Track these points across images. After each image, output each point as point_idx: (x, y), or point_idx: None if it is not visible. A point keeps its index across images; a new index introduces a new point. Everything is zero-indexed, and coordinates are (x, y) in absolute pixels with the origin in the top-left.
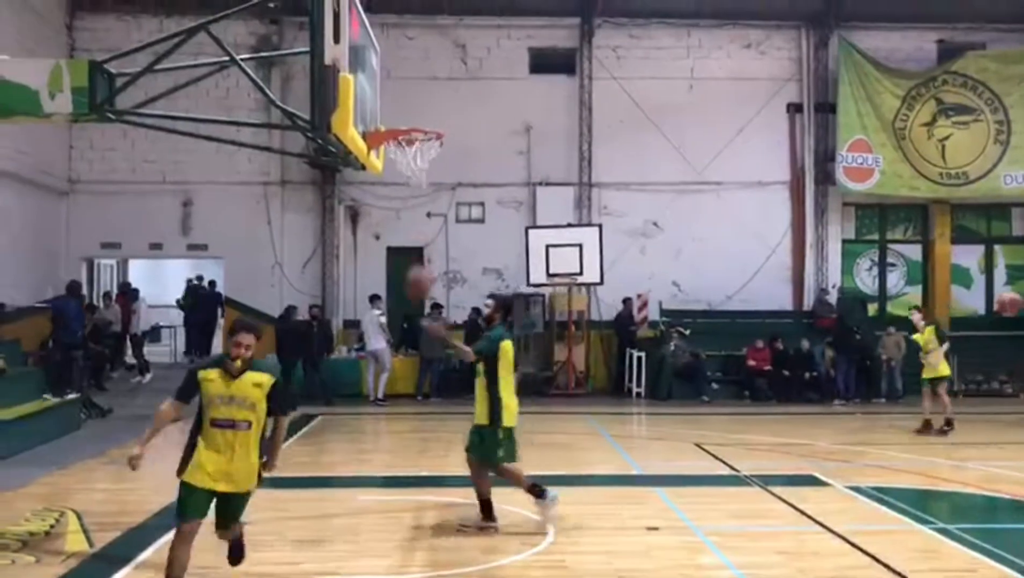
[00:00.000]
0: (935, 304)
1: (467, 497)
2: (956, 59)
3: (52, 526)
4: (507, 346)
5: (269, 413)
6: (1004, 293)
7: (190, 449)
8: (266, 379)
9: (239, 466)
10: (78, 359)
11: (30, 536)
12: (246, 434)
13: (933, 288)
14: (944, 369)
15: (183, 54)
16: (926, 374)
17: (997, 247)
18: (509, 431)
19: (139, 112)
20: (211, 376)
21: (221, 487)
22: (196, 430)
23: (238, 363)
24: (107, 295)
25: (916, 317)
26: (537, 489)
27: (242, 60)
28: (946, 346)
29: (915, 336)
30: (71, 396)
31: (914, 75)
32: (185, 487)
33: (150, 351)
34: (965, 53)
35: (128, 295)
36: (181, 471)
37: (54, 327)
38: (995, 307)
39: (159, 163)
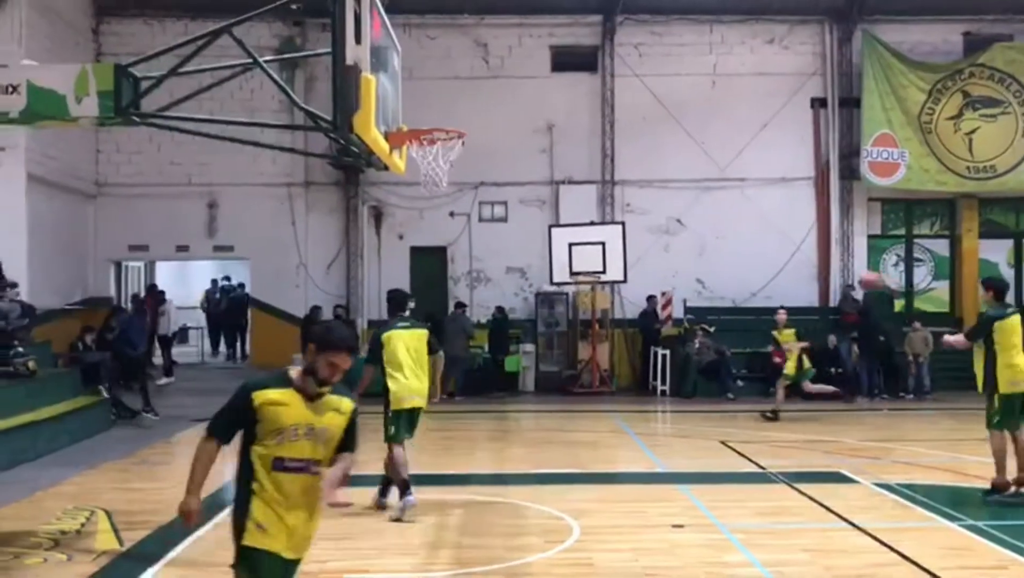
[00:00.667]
0: (963, 299)
1: (493, 495)
2: (983, 51)
3: (83, 525)
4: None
5: (339, 449)
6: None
7: (244, 504)
8: (346, 405)
9: (314, 526)
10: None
11: (61, 534)
12: (317, 480)
13: (960, 283)
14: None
15: (207, 57)
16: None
17: None
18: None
19: (164, 115)
20: (279, 398)
21: (292, 554)
22: (247, 475)
23: (320, 387)
24: (135, 298)
25: (781, 316)
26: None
27: (265, 62)
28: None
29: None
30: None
31: (940, 68)
32: (251, 556)
33: (178, 352)
34: (992, 45)
35: (155, 297)
36: (240, 535)
37: (116, 341)
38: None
39: (184, 165)
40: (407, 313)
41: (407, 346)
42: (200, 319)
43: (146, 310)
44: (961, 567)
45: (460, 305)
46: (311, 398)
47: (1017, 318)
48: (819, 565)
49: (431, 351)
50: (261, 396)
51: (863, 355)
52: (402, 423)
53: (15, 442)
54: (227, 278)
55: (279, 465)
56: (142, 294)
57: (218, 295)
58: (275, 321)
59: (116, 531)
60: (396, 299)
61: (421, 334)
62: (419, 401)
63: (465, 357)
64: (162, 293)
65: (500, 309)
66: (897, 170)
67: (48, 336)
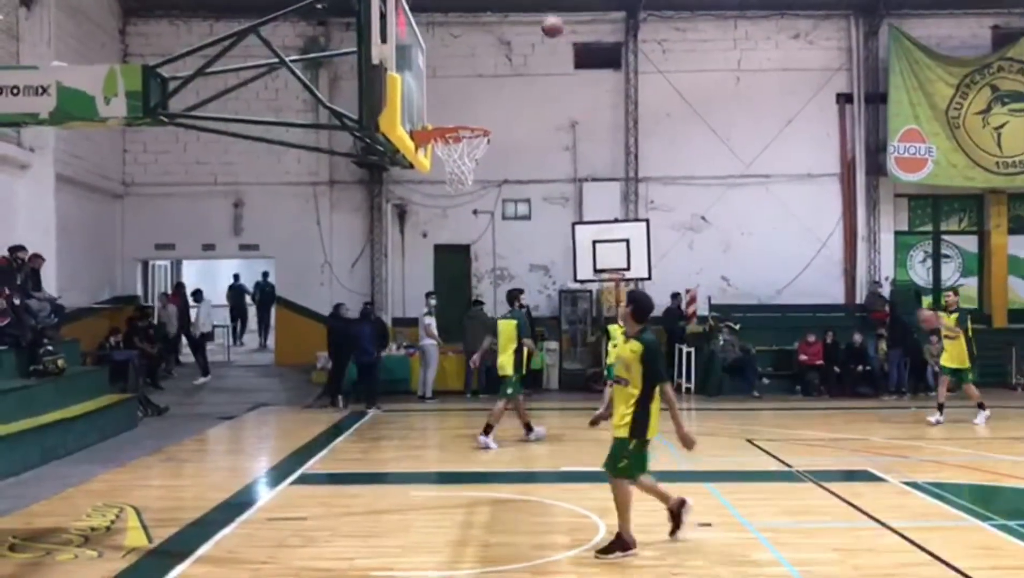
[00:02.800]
0: (991, 296)
1: (519, 493)
2: (1011, 45)
3: (112, 522)
4: None
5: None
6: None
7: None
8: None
9: None
10: (134, 359)
11: (91, 531)
12: None
13: (989, 280)
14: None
15: (233, 57)
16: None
17: None
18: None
19: (191, 115)
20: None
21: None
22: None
23: None
24: (164, 295)
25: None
26: None
27: (290, 61)
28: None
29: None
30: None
31: (968, 62)
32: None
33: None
34: (1020, 39)
35: (182, 295)
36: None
37: (344, 347)
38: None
39: (210, 165)
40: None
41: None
42: (225, 317)
43: (375, 318)
44: (992, 567)
45: (478, 302)
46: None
47: None
48: (848, 564)
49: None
50: None
51: (890, 352)
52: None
53: (46, 439)
54: (265, 274)
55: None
56: (169, 291)
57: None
58: (300, 319)
59: (145, 528)
60: (509, 294)
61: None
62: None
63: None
64: (199, 292)
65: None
66: (924, 166)
67: (76, 334)
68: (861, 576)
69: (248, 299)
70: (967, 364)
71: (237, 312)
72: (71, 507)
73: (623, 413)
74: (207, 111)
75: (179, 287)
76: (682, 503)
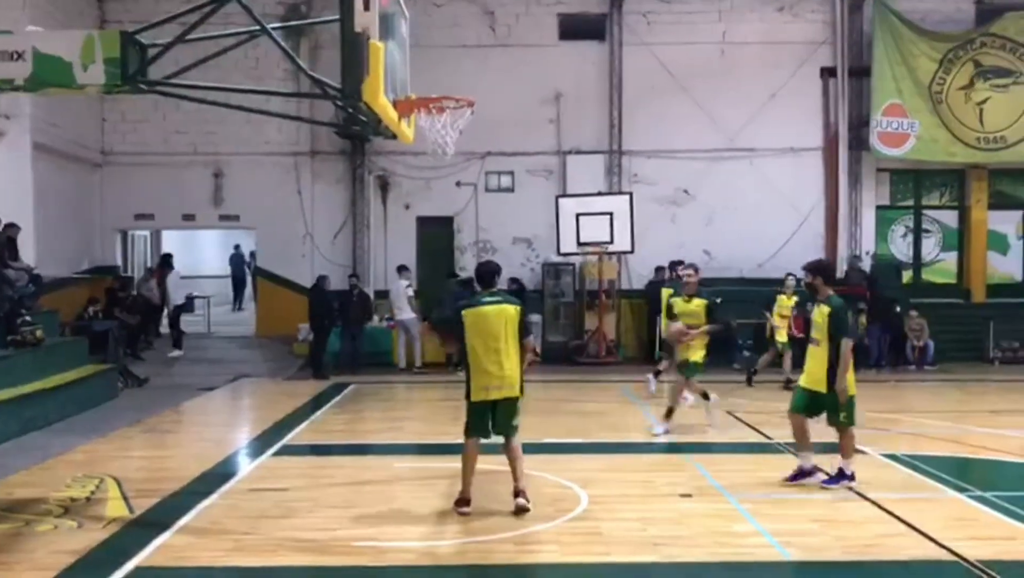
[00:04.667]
0: (971, 271)
1: (502, 464)
2: (995, 20)
3: (93, 492)
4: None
5: None
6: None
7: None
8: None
9: None
10: (113, 330)
11: (71, 502)
12: None
13: (969, 254)
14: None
15: (213, 24)
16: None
17: None
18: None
19: (171, 83)
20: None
21: None
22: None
23: None
24: (149, 270)
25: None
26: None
27: (272, 29)
28: None
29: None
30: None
31: (951, 37)
32: None
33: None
34: (1004, 14)
35: (165, 268)
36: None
37: (327, 318)
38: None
39: (190, 134)
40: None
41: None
42: (205, 288)
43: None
44: (969, 537)
45: (453, 275)
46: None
47: None
48: (828, 535)
49: None
50: None
51: (870, 327)
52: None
53: (25, 410)
54: (237, 246)
55: None
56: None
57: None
58: (281, 290)
59: (126, 498)
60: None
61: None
62: None
63: None
64: (169, 262)
65: (514, 280)
66: (907, 140)
67: (55, 305)
68: (841, 546)
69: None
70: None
71: (237, 280)
72: (51, 478)
73: (815, 371)
74: (187, 79)
75: (166, 258)
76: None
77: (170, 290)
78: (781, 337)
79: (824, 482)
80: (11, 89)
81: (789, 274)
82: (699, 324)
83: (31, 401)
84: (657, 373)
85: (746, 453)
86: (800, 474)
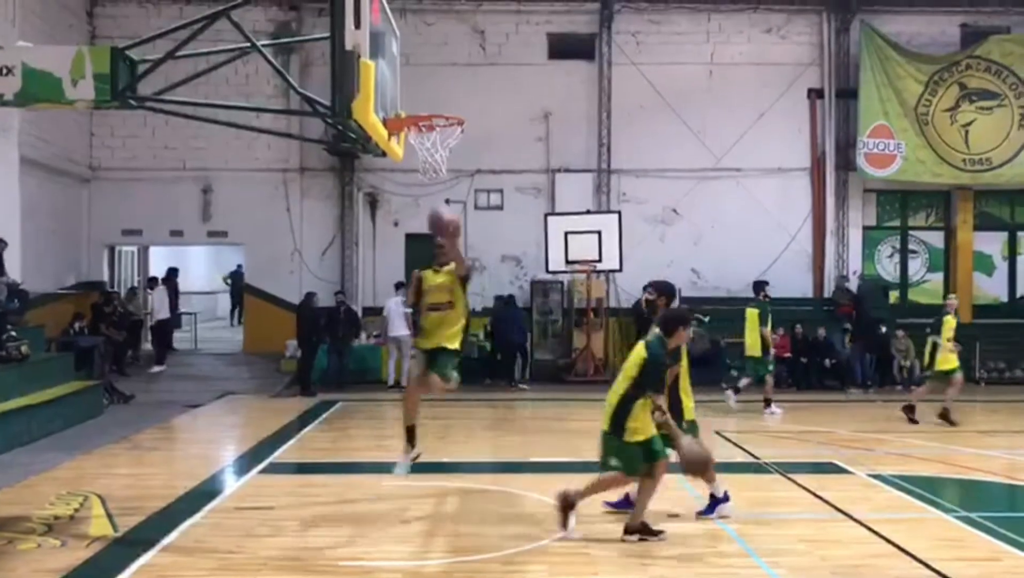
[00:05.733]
0: (957, 291)
1: (489, 483)
2: (980, 43)
3: (76, 510)
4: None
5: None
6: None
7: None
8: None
9: None
10: (99, 346)
11: (55, 520)
12: None
13: (955, 275)
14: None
15: (203, 40)
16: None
17: (1021, 234)
18: None
19: (160, 99)
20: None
21: None
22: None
23: None
24: (132, 289)
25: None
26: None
27: (262, 46)
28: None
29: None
30: None
31: (937, 60)
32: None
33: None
34: (989, 37)
35: (169, 282)
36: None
37: (315, 335)
38: None
39: (179, 150)
40: None
41: None
42: (195, 304)
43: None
44: (955, 558)
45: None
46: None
47: None
48: (815, 555)
49: None
50: None
51: (856, 346)
52: None
53: (9, 426)
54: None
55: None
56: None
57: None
58: (269, 307)
59: (110, 516)
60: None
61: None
62: None
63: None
64: (154, 280)
65: (500, 297)
66: (893, 161)
67: (41, 320)
68: (827, 567)
69: None
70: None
71: (236, 297)
72: (35, 495)
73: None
74: (176, 95)
75: (171, 272)
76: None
77: (155, 305)
78: (948, 364)
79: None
80: (1, 104)
81: (951, 294)
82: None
83: (15, 417)
84: (737, 390)
85: (734, 473)
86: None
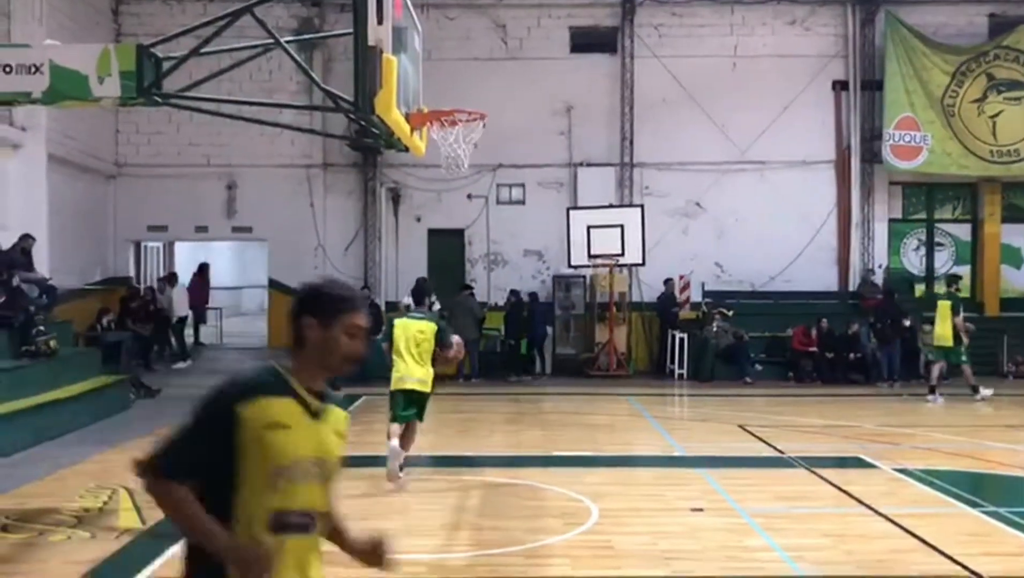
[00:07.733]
0: (984, 284)
1: (511, 477)
2: (1008, 33)
3: (105, 503)
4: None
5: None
6: None
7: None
8: (343, 419)
9: None
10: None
11: (85, 512)
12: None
13: (982, 268)
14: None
15: (227, 37)
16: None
17: None
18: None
19: (185, 96)
20: (280, 413)
21: None
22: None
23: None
24: (161, 280)
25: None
26: None
27: (285, 42)
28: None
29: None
30: None
31: (964, 50)
32: None
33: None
34: (1017, 27)
35: (204, 275)
36: None
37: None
38: None
39: (203, 146)
40: (425, 305)
41: (407, 336)
42: (220, 299)
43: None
44: (982, 553)
45: (466, 287)
46: (315, 414)
47: None
48: (839, 550)
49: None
50: (252, 408)
51: (882, 340)
52: (397, 402)
53: (38, 421)
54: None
55: (281, 524)
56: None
57: None
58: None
59: (138, 509)
60: (417, 290)
61: (427, 327)
62: (415, 385)
63: (477, 339)
64: (175, 275)
65: (515, 292)
66: (919, 154)
67: (68, 316)
68: (852, 561)
69: None
70: None
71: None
72: (64, 488)
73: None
74: (201, 92)
75: (203, 267)
76: None
77: (175, 302)
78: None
79: None
80: (29, 102)
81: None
82: None
83: (44, 411)
84: (932, 389)
85: (759, 467)
86: None
